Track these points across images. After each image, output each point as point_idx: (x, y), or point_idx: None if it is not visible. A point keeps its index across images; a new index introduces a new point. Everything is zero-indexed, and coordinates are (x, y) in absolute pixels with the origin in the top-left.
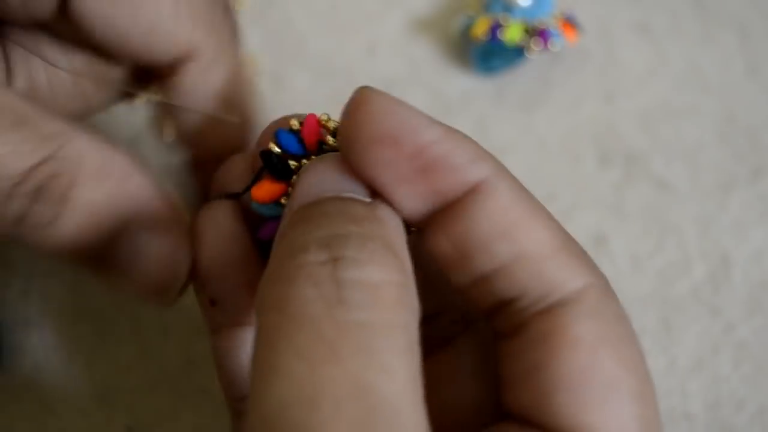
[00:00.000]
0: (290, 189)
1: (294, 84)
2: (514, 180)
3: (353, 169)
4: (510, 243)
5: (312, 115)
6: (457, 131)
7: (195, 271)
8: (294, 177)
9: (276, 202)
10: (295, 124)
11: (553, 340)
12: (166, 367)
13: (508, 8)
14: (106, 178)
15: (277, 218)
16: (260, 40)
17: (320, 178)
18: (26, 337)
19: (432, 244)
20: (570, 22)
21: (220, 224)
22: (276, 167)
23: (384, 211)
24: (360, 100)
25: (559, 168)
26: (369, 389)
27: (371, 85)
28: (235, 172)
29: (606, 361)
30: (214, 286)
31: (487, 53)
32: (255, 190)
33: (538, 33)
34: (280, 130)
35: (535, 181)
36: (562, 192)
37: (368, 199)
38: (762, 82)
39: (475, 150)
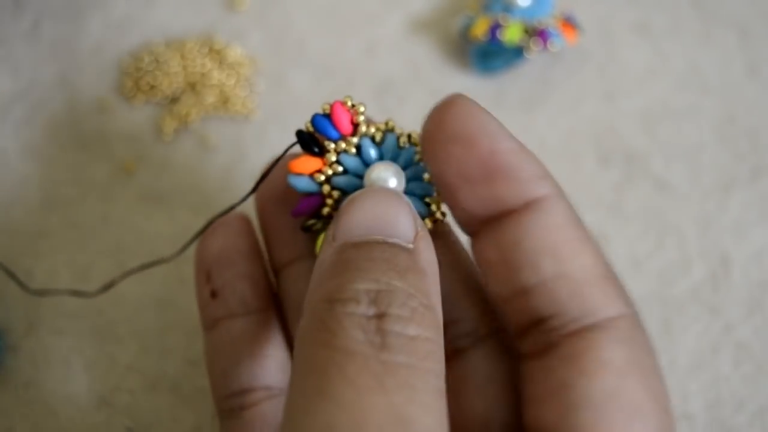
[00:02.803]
0: (325, 167)
1: (294, 84)
2: (570, 204)
3: (429, 163)
4: (557, 261)
5: (338, 102)
6: (528, 149)
7: (201, 264)
8: (327, 155)
9: (311, 177)
10: (326, 108)
11: (584, 360)
12: (166, 367)
13: (508, 8)
14: None
15: (309, 195)
16: (260, 40)
17: (367, 216)
18: (26, 337)
19: (480, 250)
20: (569, 22)
21: (231, 220)
22: (308, 144)
23: (425, 260)
24: (448, 102)
25: (559, 168)
26: (410, 420)
27: (371, 85)
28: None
29: (634, 387)
30: (219, 276)
31: (486, 53)
32: (292, 164)
33: (537, 33)
34: (315, 114)
35: None
36: None
37: (411, 245)
38: (762, 82)
39: (542, 168)
